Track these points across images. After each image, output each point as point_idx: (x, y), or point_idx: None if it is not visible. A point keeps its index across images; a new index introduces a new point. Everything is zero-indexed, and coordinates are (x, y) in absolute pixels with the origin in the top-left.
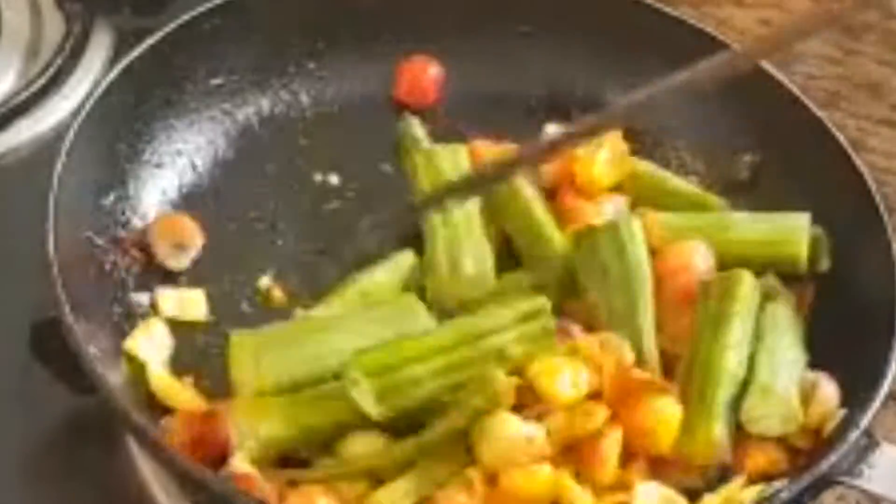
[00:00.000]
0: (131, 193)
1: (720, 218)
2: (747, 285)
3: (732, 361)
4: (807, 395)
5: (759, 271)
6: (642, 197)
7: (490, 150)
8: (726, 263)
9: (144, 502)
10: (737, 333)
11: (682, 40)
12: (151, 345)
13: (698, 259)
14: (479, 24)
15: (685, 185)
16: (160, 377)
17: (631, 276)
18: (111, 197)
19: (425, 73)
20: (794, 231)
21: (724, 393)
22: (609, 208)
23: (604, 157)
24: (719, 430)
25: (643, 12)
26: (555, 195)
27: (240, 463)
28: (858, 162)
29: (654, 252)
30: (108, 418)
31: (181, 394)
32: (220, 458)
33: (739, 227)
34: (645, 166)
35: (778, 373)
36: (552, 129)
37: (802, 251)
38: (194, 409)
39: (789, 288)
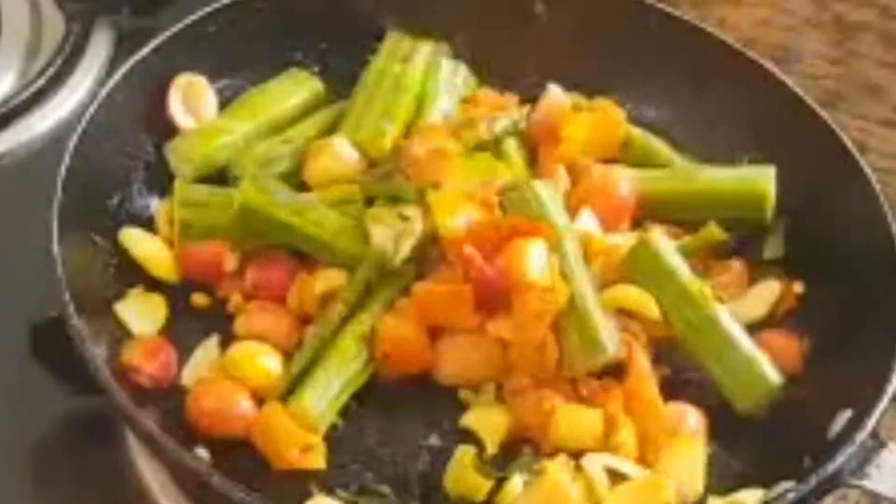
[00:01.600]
0: (136, 195)
1: (686, 169)
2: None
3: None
4: None
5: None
6: (633, 165)
7: (493, 99)
8: (695, 208)
9: (144, 502)
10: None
11: (683, 40)
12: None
13: (623, 186)
14: (481, 24)
15: (675, 156)
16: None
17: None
18: (116, 199)
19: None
20: (761, 175)
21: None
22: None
23: (589, 124)
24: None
25: (645, 12)
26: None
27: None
28: (862, 162)
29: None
30: (109, 418)
31: (162, 261)
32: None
33: (705, 175)
34: (638, 134)
35: None
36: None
37: (769, 189)
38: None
39: (776, 279)
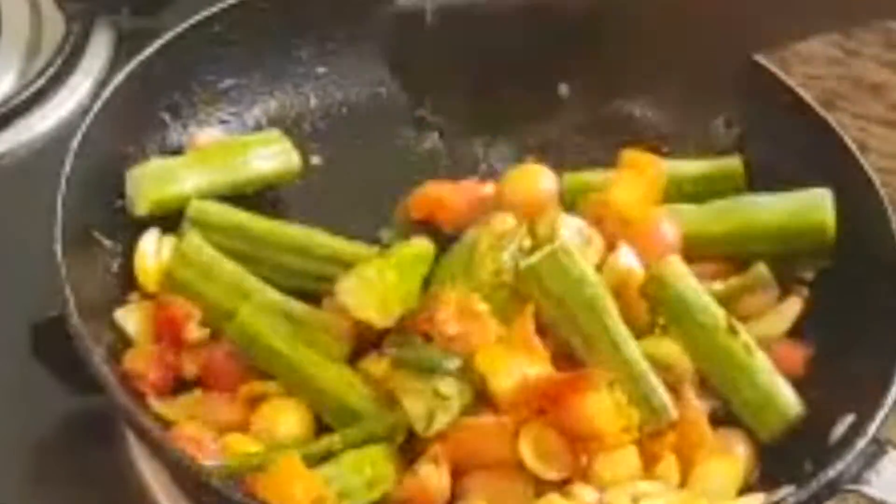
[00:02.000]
0: None
1: (739, 200)
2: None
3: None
4: None
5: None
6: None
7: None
8: (754, 239)
9: (144, 502)
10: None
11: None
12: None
13: (665, 228)
14: None
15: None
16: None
17: (589, 297)
18: (119, 199)
19: None
20: (819, 200)
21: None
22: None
23: (635, 189)
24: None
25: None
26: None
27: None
28: (864, 163)
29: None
30: (109, 418)
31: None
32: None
33: (761, 204)
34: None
35: None
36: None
37: (829, 217)
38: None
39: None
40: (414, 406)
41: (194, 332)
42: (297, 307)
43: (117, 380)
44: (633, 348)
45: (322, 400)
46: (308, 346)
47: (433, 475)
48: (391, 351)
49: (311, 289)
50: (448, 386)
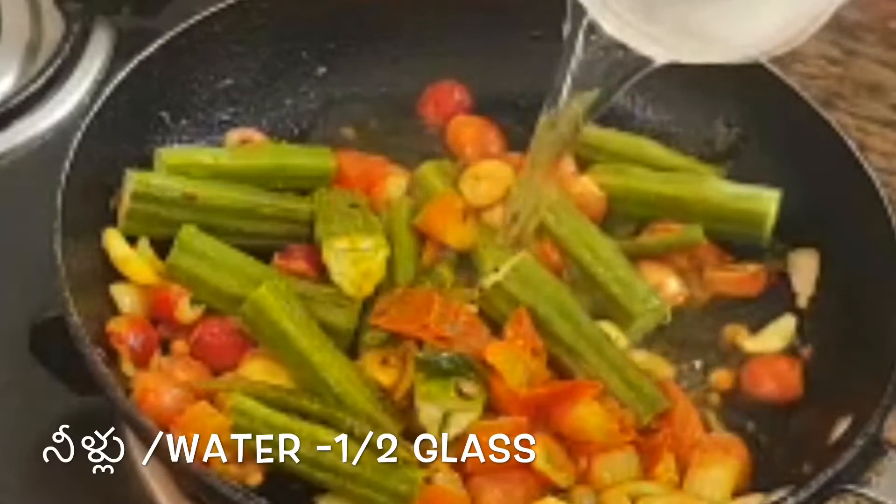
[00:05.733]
0: None
1: (703, 178)
2: None
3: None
4: None
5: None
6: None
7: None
8: (695, 205)
9: (144, 502)
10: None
11: None
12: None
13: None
14: (488, 26)
15: (681, 157)
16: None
17: (559, 300)
18: (117, 198)
19: (451, 97)
20: (766, 195)
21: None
22: None
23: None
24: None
25: None
26: None
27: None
28: (864, 161)
29: None
30: (109, 418)
31: (136, 264)
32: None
33: (717, 184)
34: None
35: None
36: None
37: (770, 211)
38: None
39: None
40: (430, 412)
41: (186, 312)
42: (305, 285)
43: (116, 380)
44: (611, 346)
45: (323, 391)
46: (319, 318)
47: (452, 482)
48: (414, 353)
49: (261, 247)
50: (470, 386)
